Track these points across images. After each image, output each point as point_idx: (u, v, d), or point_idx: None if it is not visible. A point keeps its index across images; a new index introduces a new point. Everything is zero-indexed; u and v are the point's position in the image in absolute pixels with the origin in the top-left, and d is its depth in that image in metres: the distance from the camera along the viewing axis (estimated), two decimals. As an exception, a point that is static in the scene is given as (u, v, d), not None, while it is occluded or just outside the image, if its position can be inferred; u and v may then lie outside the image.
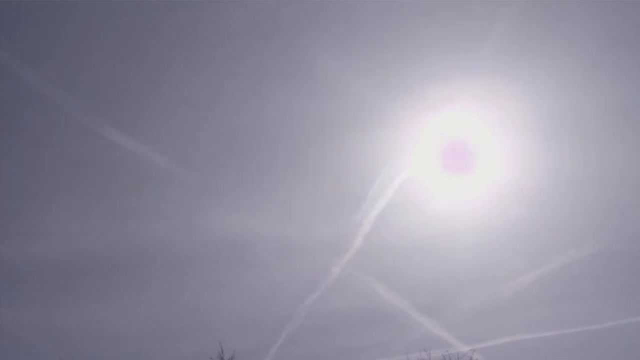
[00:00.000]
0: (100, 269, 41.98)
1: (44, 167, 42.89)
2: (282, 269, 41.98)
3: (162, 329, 40.73)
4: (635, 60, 41.81)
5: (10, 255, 41.28)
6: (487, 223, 42.58)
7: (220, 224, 41.36)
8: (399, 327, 40.78)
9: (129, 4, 38.71)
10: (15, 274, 41.79)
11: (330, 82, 41.90)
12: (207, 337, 37.87)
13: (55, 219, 43.02)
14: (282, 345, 39.54)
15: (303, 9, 41.85)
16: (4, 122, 43.32)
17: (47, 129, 42.91)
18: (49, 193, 42.78)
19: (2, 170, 42.96)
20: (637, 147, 41.84)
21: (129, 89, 41.85)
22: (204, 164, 42.37)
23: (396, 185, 42.05)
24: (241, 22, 41.25)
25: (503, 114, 42.59)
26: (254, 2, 40.56)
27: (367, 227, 41.55)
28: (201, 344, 38.34)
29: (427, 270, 42.29)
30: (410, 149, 42.92)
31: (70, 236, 41.88)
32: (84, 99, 41.59)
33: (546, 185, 43.14)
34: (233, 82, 42.04)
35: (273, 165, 42.98)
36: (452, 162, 43.10)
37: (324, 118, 42.99)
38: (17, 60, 41.23)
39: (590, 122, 42.73)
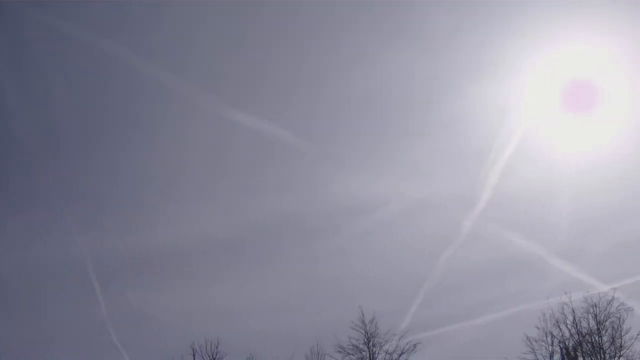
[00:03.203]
0: (228, 248, 42.42)
1: (162, 154, 42.94)
2: (413, 228, 41.89)
3: (300, 301, 41.23)
4: None
5: (142, 243, 41.89)
6: (617, 161, 41.63)
7: (345, 192, 41.19)
8: (537, 274, 40.55)
9: None
10: (147, 260, 42.48)
11: (441, 40, 40.69)
12: (347, 304, 38.18)
13: (177, 205, 43.33)
14: (421, 304, 39.66)
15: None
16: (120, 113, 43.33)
17: (157, 112, 42.82)
18: (170, 180, 42.97)
19: (106, 164, 43.09)
20: None
21: (242, 66, 41.28)
22: (324, 134, 41.93)
23: (520, 133, 41.09)
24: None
25: (624, 44, 40.94)
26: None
27: (494, 179, 40.91)
28: (341, 311, 38.71)
29: (559, 215, 41.67)
30: (531, 94, 41.75)
31: (195, 220, 42.23)
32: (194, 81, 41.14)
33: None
34: (342, 50, 41.09)
35: (392, 127, 42.39)
36: (574, 101, 41.86)
37: (438, 75, 41.98)
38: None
39: None
